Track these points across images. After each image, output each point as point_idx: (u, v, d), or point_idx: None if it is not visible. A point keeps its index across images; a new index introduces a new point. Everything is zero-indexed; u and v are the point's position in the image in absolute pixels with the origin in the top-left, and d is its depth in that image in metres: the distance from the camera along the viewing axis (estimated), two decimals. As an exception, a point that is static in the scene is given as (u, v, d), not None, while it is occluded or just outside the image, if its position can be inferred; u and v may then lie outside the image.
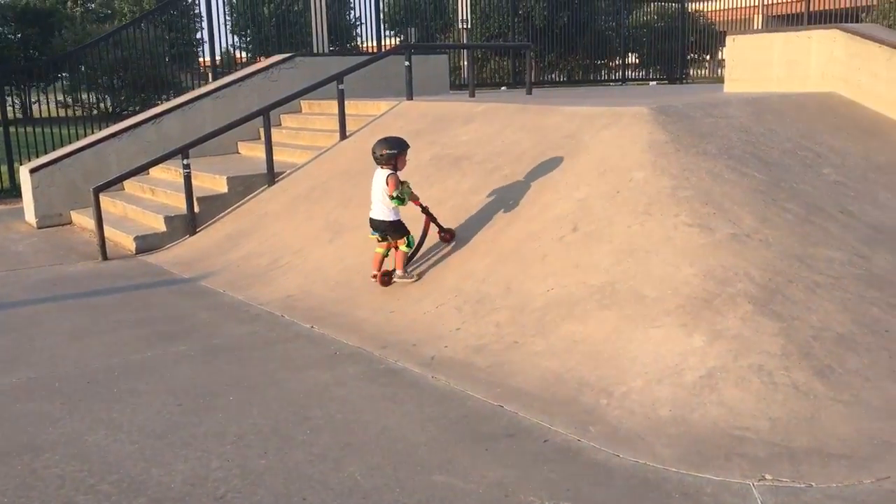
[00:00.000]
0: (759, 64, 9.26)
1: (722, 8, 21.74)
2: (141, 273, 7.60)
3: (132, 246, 8.51)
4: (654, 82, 20.18)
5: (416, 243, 6.33)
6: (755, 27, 23.73)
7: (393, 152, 6.15)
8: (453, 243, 6.40)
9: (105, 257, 8.18)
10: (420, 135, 8.56)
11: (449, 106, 9.21)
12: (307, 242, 7.42)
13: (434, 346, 5.12)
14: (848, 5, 19.86)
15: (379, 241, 6.28)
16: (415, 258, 6.42)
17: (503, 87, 16.68)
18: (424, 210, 6.35)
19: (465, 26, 19.92)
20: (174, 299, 6.63)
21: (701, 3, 22.47)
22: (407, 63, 9.99)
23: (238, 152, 11.37)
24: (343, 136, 9.55)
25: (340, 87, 9.47)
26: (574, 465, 3.55)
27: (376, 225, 6.24)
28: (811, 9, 19.60)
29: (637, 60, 21.80)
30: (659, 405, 4.01)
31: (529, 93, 11.45)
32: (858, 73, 8.33)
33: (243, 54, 18.25)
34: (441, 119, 8.82)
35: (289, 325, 5.79)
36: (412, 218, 6.32)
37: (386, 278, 6.20)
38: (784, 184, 6.11)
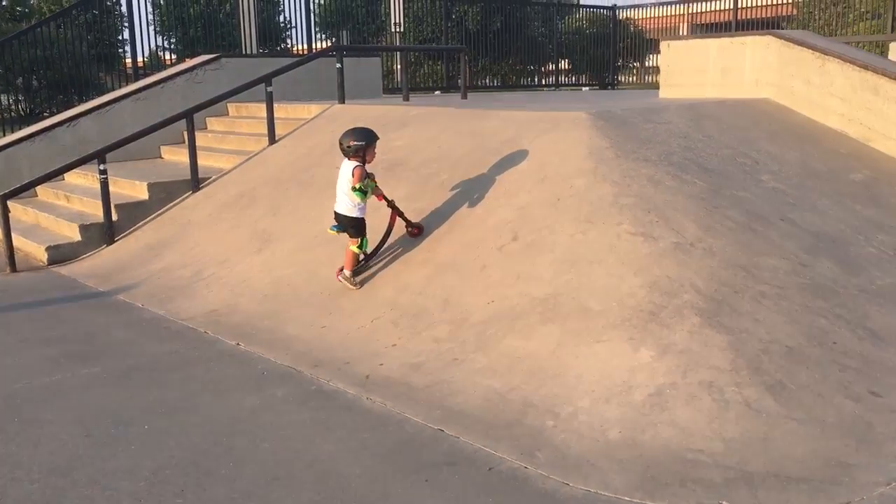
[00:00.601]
0: (694, 70, 9.23)
1: (651, 16, 22.01)
2: (52, 286, 7.08)
3: (44, 256, 7.96)
4: (587, 88, 20.27)
5: (367, 248, 6.00)
6: (682, 35, 24.06)
7: (360, 144, 5.86)
8: (406, 241, 6.10)
9: (14, 269, 7.62)
10: (353, 139, 8.23)
11: (383, 110, 8.92)
12: (233, 253, 7.03)
13: (369, 364, 4.82)
14: (772, 14, 20.30)
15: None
16: (369, 262, 6.12)
17: (437, 92, 16.46)
18: (390, 204, 6.03)
19: (397, 30, 19.67)
20: (88, 315, 6.17)
21: (631, 11, 22.72)
22: (339, 65, 9.66)
23: (161, 157, 10.85)
24: (272, 140, 9.16)
25: (269, 89, 9.08)
26: (521, 496, 3.30)
27: (339, 219, 5.97)
28: (737, 17, 19.99)
29: (569, 66, 21.89)
30: (608, 426, 3.80)
31: (465, 97, 11.24)
32: (792, 80, 8.36)
33: (171, 56, 17.60)
34: (374, 124, 8.44)
35: (212, 343, 5.41)
36: (380, 216, 5.99)
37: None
38: (725, 191, 6.01)
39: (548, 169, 6.23)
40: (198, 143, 10.21)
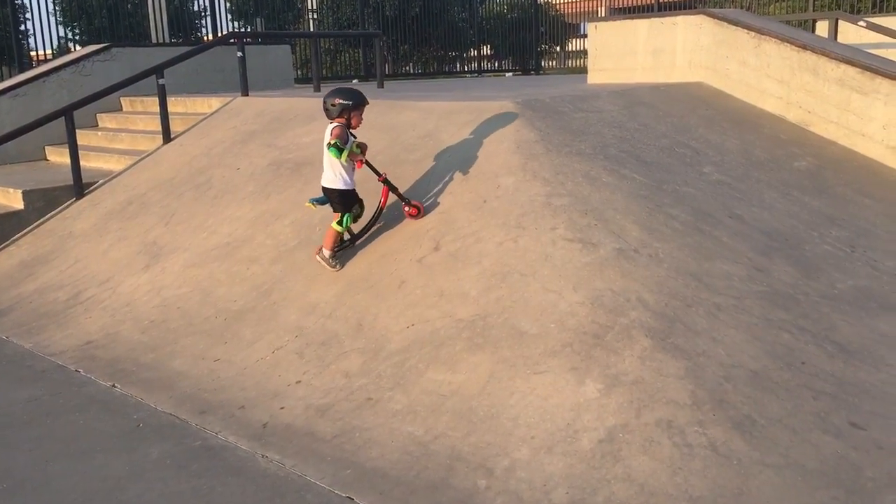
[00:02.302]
0: (623, 53, 8.68)
1: (570, 0, 21.58)
2: None
3: None
4: (510, 74, 19.69)
5: (351, 224, 5.22)
6: (602, 17, 23.72)
7: (347, 104, 5.10)
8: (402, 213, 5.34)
9: None
10: (255, 136, 7.41)
11: (290, 102, 8.09)
12: (118, 270, 6.14)
13: (268, 407, 4.06)
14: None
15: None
16: (356, 242, 5.35)
17: (354, 80, 15.61)
18: (382, 179, 5.26)
19: (314, 17, 18.71)
20: (-62, 353, 5.22)
21: (551, -5, 22.25)
22: (240, 54, 8.77)
23: (46, 159, 9.77)
24: (167, 138, 8.23)
25: (161, 81, 8.14)
26: None
27: (324, 192, 5.25)
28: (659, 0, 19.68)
29: (491, 51, 21.30)
30: (553, 486, 3.15)
31: (381, 86, 10.47)
32: (727, 62, 7.87)
33: (77, 48, 16.28)
34: (280, 118, 7.70)
35: (83, 385, 4.56)
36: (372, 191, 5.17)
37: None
38: (667, 186, 5.43)
39: (472, 166, 5.55)
40: (87, 142, 9.27)
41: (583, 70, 17.78)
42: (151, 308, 5.47)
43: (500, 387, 3.77)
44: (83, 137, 8.85)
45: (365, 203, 5.37)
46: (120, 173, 7.95)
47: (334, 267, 5.16)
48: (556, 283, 4.31)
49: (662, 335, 3.90)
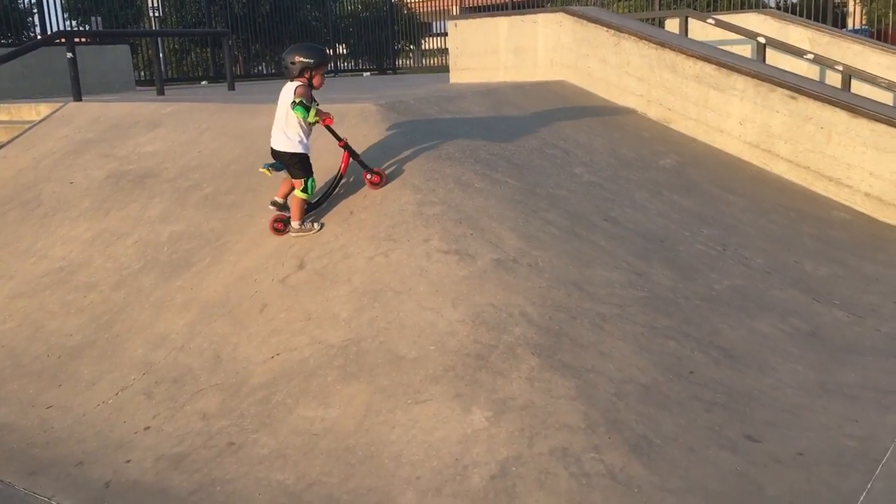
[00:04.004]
0: (485, 51, 8.50)
1: (424, -2, 21.43)
2: None
3: None
4: (368, 73, 19.31)
5: (315, 190, 4.81)
6: (454, 15, 23.76)
7: (308, 62, 4.69)
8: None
9: None
10: (90, 146, 6.69)
11: (130, 107, 7.39)
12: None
13: (111, 462, 3.52)
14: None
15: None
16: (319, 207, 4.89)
17: (204, 82, 14.78)
18: (343, 144, 4.89)
19: (155, 14, 17.61)
20: None
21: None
22: (70, 54, 7.95)
23: None
24: (-13, 150, 7.32)
25: (-24, 86, 7.24)
26: None
27: (277, 156, 4.83)
28: (512, -1, 19.81)
29: (347, 51, 20.85)
30: (444, 535, 2.82)
31: (232, 88, 9.85)
32: (587, 60, 7.83)
33: None
34: (119, 125, 7.00)
35: None
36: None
37: (280, 224, 4.82)
38: (540, 189, 5.24)
39: (335, 174, 5.15)
40: None
41: (440, 69, 17.64)
42: (-30, 348, 4.74)
43: (379, 421, 3.41)
44: None
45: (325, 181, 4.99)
46: (-68, 191, 6.99)
47: (311, 230, 4.75)
48: (434, 301, 3.99)
49: (549, 352, 3.66)
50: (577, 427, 3.25)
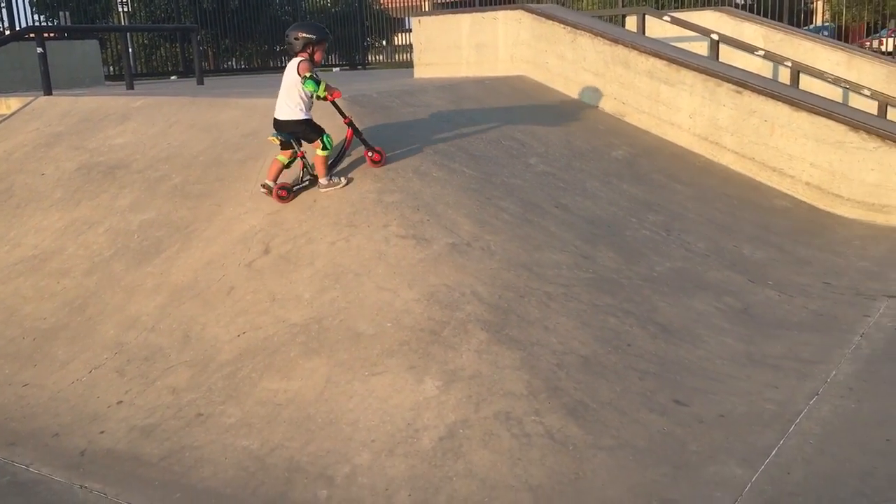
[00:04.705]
0: (448, 47, 8.76)
1: (394, -7, 21.64)
2: None
3: None
4: (337, 68, 19.48)
5: (334, 144, 5.17)
6: (425, 11, 23.98)
7: (310, 38, 5.02)
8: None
9: None
10: (61, 138, 6.86)
11: (99, 101, 7.55)
12: None
13: (86, 432, 3.75)
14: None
15: (282, 149, 5.21)
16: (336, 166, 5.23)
17: (173, 77, 14.90)
18: (348, 122, 5.25)
19: (124, 9, 17.66)
20: None
21: (374, -11, 22.24)
22: (40, 49, 8.10)
23: None
24: (-42, 143, 7.45)
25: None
26: None
27: (281, 126, 5.14)
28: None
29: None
30: (395, 489, 3.09)
31: (201, 82, 10.03)
32: (546, 55, 8.12)
33: None
34: (89, 118, 7.17)
35: None
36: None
37: (284, 192, 5.09)
38: (496, 179, 5.52)
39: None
40: None
41: (410, 64, 17.86)
42: (-54, 332, 4.92)
43: (338, 391, 3.67)
44: None
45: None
46: None
47: (339, 184, 5.10)
48: (391, 282, 4.26)
49: (497, 327, 3.94)
50: (520, 394, 3.53)
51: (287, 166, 5.20)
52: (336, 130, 5.29)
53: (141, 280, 4.86)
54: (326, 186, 5.10)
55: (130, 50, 14.42)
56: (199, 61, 10.69)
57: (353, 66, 19.76)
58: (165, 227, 5.25)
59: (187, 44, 15.24)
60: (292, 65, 5.04)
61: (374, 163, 5.28)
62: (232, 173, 5.56)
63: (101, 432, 3.73)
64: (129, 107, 7.13)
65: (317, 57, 5.08)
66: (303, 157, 5.19)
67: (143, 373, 4.13)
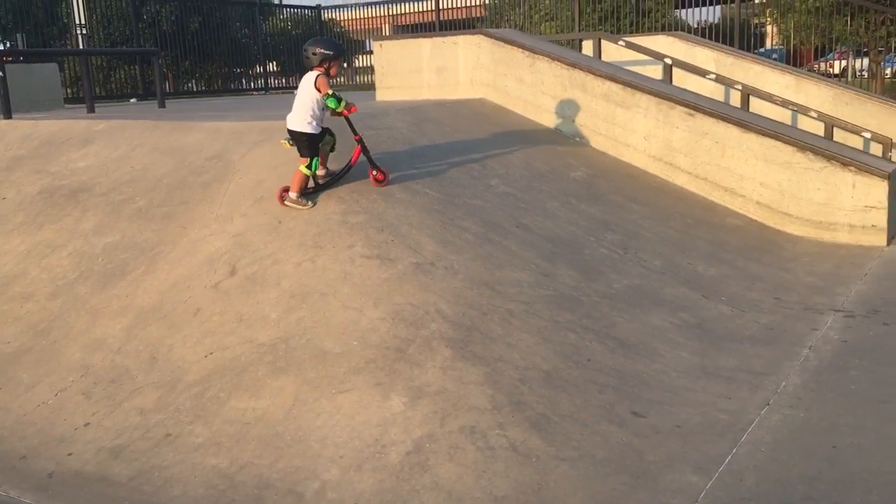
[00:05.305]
0: (409, 71, 8.91)
1: (355, 17, 21.82)
2: None
3: None
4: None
5: (316, 169, 5.31)
6: (386, 35, 24.22)
7: (328, 54, 5.30)
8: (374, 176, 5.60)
9: None
10: (23, 162, 6.85)
11: (60, 125, 7.54)
12: None
13: (53, 454, 3.76)
14: (466, 16, 20.90)
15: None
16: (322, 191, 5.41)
17: (133, 100, 14.85)
18: (358, 139, 5.48)
19: (82, 32, 17.54)
20: None
21: (335, 12, 22.40)
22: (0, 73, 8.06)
23: None
24: (-85, 166, 7.37)
25: None
26: None
27: (292, 135, 5.39)
28: (440, 18, 20.34)
29: (278, 68, 21.06)
30: (364, 503, 3.17)
31: (162, 105, 10.04)
32: (505, 79, 8.31)
33: None
34: (51, 141, 7.16)
35: None
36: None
37: (285, 193, 5.27)
38: (458, 199, 5.65)
39: (265, 187, 5.47)
40: None
41: (371, 86, 17.99)
42: None
43: (306, 409, 3.74)
44: None
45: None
46: None
47: (306, 205, 5.22)
48: (357, 301, 4.35)
49: (462, 344, 4.05)
50: (485, 408, 3.63)
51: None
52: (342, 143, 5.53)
53: (106, 303, 4.88)
54: (293, 202, 5.23)
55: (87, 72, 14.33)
56: (160, 84, 10.71)
57: (313, 89, 19.83)
58: (130, 250, 5.28)
59: (147, 66, 15.22)
60: (309, 79, 5.29)
61: (378, 182, 5.49)
62: (196, 196, 5.61)
63: (69, 454, 3.75)
64: (92, 130, 7.14)
65: (332, 72, 5.34)
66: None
67: (109, 395, 4.16)
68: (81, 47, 14.47)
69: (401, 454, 3.40)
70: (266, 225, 5.13)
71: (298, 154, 5.32)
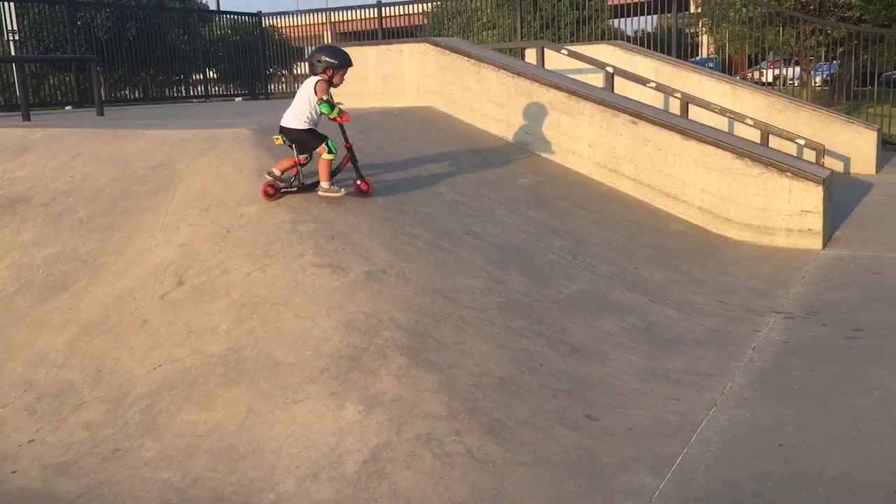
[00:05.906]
0: (355, 78, 8.85)
1: (295, 24, 21.67)
2: None
3: None
4: (240, 98, 19.34)
5: (335, 150, 5.39)
6: (327, 44, 24.09)
7: (333, 62, 5.35)
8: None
9: None
10: (-45, 171, 6.61)
11: (-5, 133, 7.31)
12: None
13: (-4, 474, 3.64)
14: (407, 24, 20.94)
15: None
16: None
17: (68, 107, 14.47)
18: (349, 146, 5.55)
19: (13, 38, 17.05)
20: None
21: (275, 18, 22.20)
22: (-71, 79, 7.78)
23: None
24: None
25: None
26: None
27: (284, 132, 5.44)
28: (382, 26, 20.34)
29: (217, 75, 20.78)
30: (322, 513, 3.14)
31: (101, 113, 9.82)
32: (451, 87, 8.35)
33: None
34: (-15, 150, 6.93)
35: None
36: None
37: (271, 189, 5.27)
38: (407, 207, 5.65)
39: (212, 196, 5.40)
40: None
41: (313, 94, 17.88)
42: None
43: (259, 420, 3.69)
44: None
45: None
46: None
47: (339, 192, 5.34)
48: (309, 310, 4.32)
49: (416, 352, 4.05)
50: (441, 415, 3.64)
51: (302, 165, 5.44)
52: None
53: (48, 316, 4.75)
54: (326, 191, 5.33)
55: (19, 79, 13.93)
56: (98, 92, 10.47)
57: (254, 96, 19.66)
58: (72, 262, 5.15)
59: (81, 73, 14.85)
60: (310, 82, 5.38)
61: (361, 192, 5.54)
62: (141, 205, 5.50)
63: (13, 472, 3.63)
64: (28, 139, 6.94)
65: (336, 80, 5.40)
66: (300, 165, 5.40)
67: (54, 410, 4.04)
68: (13, 54, 14.05)
69: (357, 463, 3.38)
70: (214, 234, 5.06)
71: (295, 153, 5.38)
